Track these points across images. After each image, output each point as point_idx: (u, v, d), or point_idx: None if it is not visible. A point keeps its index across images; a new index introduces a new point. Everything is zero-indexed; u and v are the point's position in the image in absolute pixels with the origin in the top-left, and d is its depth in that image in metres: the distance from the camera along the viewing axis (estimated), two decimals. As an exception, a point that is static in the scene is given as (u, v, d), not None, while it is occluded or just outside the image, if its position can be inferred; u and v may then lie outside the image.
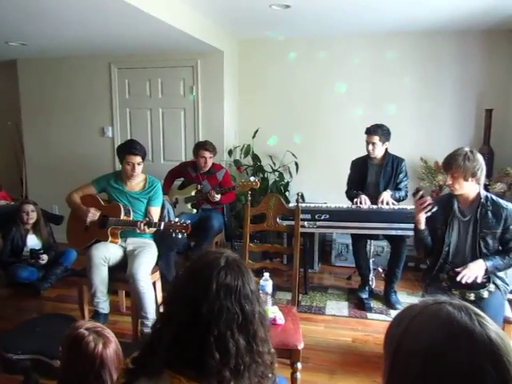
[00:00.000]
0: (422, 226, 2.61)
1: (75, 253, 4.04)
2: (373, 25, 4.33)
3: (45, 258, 3.89)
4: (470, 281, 2.38)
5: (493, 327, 0.73)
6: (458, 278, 2.39)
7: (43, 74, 5.27)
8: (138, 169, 3.15)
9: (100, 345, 1.49)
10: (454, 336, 0.72)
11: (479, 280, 2.40)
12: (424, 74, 4.65)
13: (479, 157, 2.46)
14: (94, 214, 3.14)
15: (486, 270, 2.42)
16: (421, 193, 2.62)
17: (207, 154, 4.10)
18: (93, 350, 1.46)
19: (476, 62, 4.51)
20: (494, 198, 2.54)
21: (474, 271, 2.40)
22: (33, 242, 3.99)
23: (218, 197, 3.97)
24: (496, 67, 4.47)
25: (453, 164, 2.42)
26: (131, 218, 3.09)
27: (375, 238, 3.82)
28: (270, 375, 1.06)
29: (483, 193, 2.54)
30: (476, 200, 2.52)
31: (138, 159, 3.14)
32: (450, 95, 4.63)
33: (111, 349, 1.51)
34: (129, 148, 3.16)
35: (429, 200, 2.58)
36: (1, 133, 5.71)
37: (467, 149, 2.49)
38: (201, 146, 4.15)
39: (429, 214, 2.59)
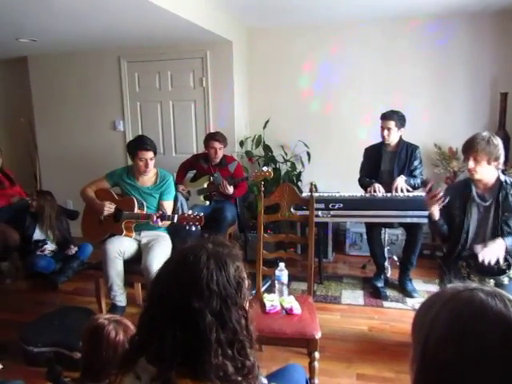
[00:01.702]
0: (437, 217, 2.59)
1: (91, 246, 4.11)
2: (384, 9, 4.24)
3: (48, 248, 3.97)
4: (492, 262, 2.33)
5: None
6: (480, 259, 2.34)
7: (53, 70, 5.28)
8: (151, 164, 3.16)
9: (121, 332, 1.52)
10: (490, 323, 0.71)
11: (501, 260, 2.35)
12: (437, 59, 4.55)
13: (500, 141, 2.44)
14: (109, 208, 3.16)
15: (506, 252, 2.38)
16: (430, 185, 2.62)
17: (217, 145, 4.08)
18: (114, 338, 1.50)
19: (489, 45, 4.40)
20: None
21: (494, 251, 2.34)
22: (37, 232, 4.05)
23: (230, 189, 3.96)
24: (510, 49, 4.37)
25: (476, 147, 2.38)
26: (145, 212, 3.10)
27: (390, 225, 3.79)
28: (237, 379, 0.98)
29: (502, 177, 2.50)
30: (496, 184, 2.49)
31: (150, 154, 3.14)
32: (463, 80, 4.54)
33: None
34: (140, 144, 3.16)
35: (440, 192, 2.55)
36: (14, 129, 5.76)
37: (487, 132, 2.47)
38: (210, 137, 4.14)
39: (441, 205, 2.57)
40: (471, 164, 2.43)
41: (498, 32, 4.37)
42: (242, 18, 4.56)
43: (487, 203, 2.51)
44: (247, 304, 1.03)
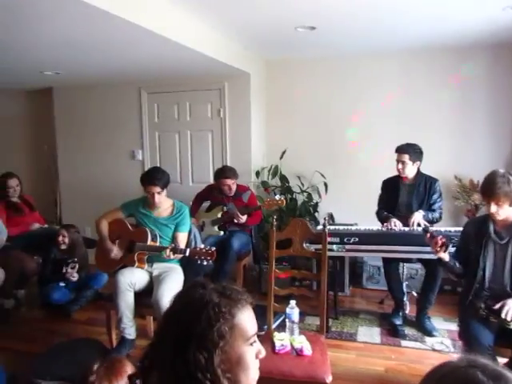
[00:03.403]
0: (447, 259, 2.53)
1: (106, 276, 4.10)
2: (402, 43, 4.25)
3: (75, 275, 3.95)
4: None
5: None
6: (503, 315, 2.27)
7: (76, 100, 5.45)
8: (158, 198, 3.15)
9: (105, 382, 1.46)
10: None
11: None
12: (457, 90, 4.50)
13: None
14: (116, 255, 3.20)
15: None
16: (429, 233, 2.55)
17: (229, 182, 4.09)
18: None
19: (510, 76, 4.33)
20: None
21: None
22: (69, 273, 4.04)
23: (243, 218, 3.94)
24: (533, 81, 4.29)
25: (498, 192, 2.32)
26: (158, 244, 3.10)
27: (408, 260, 3.69)
28: None
29: None
30: None
31: (157, 189, 3.12)
32: (483, 111, 4.46)
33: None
34: (147, 178, 3.17)
35: (440, 239, 2.48)
36: (37, 156, 5.90)
37: (504, 172, 2.40)
38: (221, 175, 4.13)
39: (447, 252, 2.50)
40: (494, 208, 2.36)
41: (520, 64, 4.31)
42: (260, 51, 4.63)
43: (504, 241, 2.42)
44: (220, 351, 0.96)
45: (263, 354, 1.04)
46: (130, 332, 3.00)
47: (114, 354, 2.86)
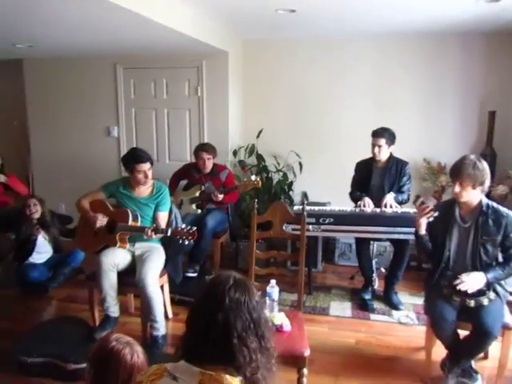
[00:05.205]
0: (423, 231, 2.69)
1: (82, 253, 4.12)
2: (377, 27, 4.34)
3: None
4: (469, 291, 2.44)
5: None
6: (456, 282, 2.45)
7: (49, 74, 5.30)
8: (150, 174, 3.22)
9: (135, 355, 1.57)
10: None
11: (475, 290, 2.46)
12: (428, 76, 4.66)
13: (486, 165, 2.52)
14: (101, 221, 3.20)
15: (487, 281, 2.48)
16: (421, 199, 2.71)
17: (205, 155, 4.14)
18: (131, 361, 1.54)
19: (479, 64, 4.52)
20: (495, 205, 2.58)
21: (473, 281, 2.45)
22: (41, 242, 4.05)
23: (220, 197, 4.03)
24: (499, 69, 4.49)
25: (463, 172, 2.46)
26: (139, 224, 3.15)
27: (378, 239, 3.88)
28: (273, 368, 1.26)
29: (485, 200, 2.58)
30: (478, 207, 2.56)
31: (148, 165, 3.19)
32: (453, 97, 4.65)
33: (144, 359, 1.60)
34: (136, 157, 3.19)
35: (430, 206, 2.66)
36: (7, 132, 5.74)
37: (474, 157, 2.54)
38: (199, 148, 4.21)
39: (431, 219, 2.67)
40: (457, 189, 2.51)
41: (488, 52, 4.49)
42: (238, 30, 4.62)
43: (467, 225, 2.59)
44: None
45: None
46: (114, 310, 3.08)
47: (98, 331, 2.95)
